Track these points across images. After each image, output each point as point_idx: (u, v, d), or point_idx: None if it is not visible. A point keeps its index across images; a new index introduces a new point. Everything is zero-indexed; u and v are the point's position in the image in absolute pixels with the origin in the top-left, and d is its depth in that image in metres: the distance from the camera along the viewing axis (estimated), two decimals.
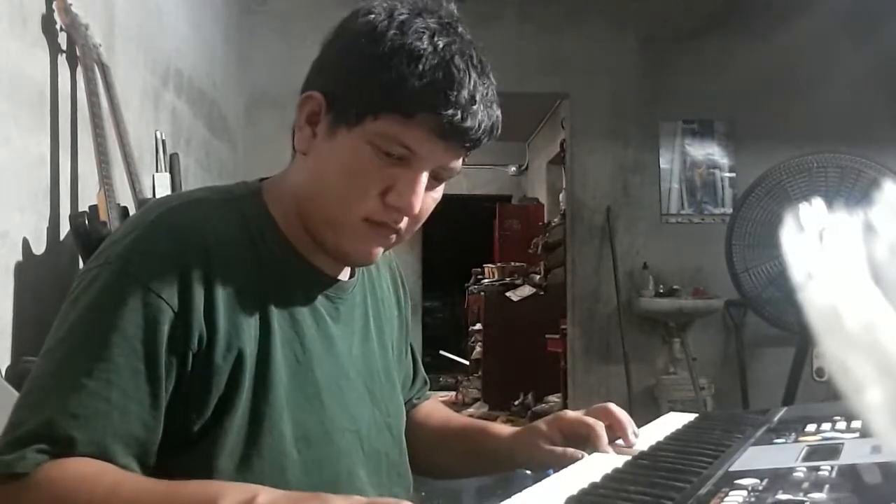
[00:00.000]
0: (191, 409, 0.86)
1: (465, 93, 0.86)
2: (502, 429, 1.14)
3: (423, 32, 0.86)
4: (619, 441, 1.02)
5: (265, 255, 0.93)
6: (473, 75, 0.87)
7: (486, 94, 0.89)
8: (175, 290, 0.85)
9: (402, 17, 0.87)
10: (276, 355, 0.91)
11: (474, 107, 0.86)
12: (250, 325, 0.89)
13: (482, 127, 0.88)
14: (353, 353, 1.01)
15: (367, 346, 1.04)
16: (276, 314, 0.92)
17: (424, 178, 0.90)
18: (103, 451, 0.80)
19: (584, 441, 1.01)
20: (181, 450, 0.86)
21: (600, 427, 1.01)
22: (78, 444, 0.79)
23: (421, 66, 0.85)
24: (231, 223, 0.92)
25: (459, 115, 0.85)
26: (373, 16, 0.89)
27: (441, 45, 0.86)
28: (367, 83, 0.86)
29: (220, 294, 0.87)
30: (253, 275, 0.91)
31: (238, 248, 0.91)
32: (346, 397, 0.98)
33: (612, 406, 1.05)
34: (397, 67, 0.85)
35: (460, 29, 0.90)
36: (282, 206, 0.96)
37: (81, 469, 0.78)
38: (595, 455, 0.97)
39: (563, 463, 0.93)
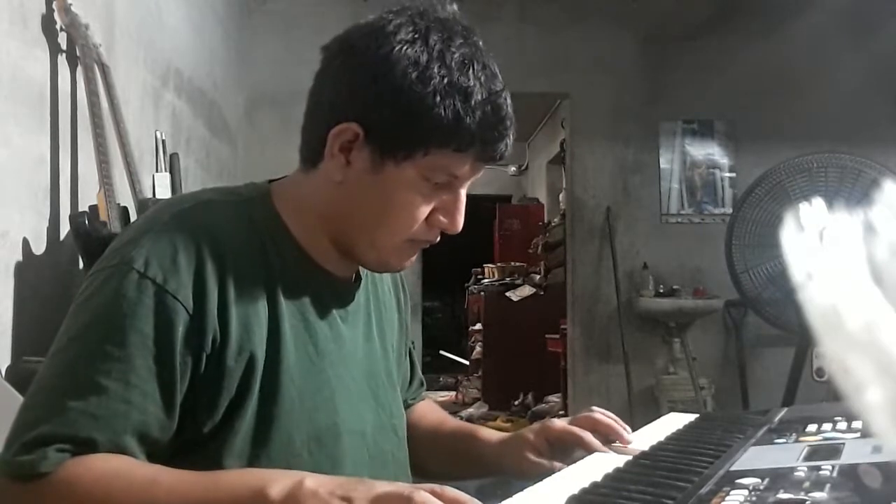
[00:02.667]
0: (201, 411, 0.86)
1: (507, 121, 0.91)
2: (491, 434, 1.14)
3: (466, 65, 0.89)
4: (617, 443, 1.02)
5: (275, 258, 0.93)
6: (509, 100, 0.91)
7: (512, 110, 0.92)
8: (190, 292, 0.85)
9: (437, 46, 0.88)
10: (288, 357, 0.91)
11: (512, 130, 0.92)
12: (261, 328, 0.90)
13: (511, 142, 0.93)
14: (360, 354, 1.02)
15: (370, 348, 1.05)
16: (286, 316, 0.92)
17: (464, 195, 0.95)
18: (122, 450, 0.81)
19: (571, 450, 1.03)
20: (190, 450, 0.86)
21: (587, 435, 1.03)
22: (98, 445, 0.79)
23: (472, 102, 0.88)
24: (241, 226, 0.92)
25: (504, 144, 0.92)
26: (407, 46, 0.88)
27: (483, 78, 0.89)
28: (421, 122, 0.88)
29: (233, 296, 0.88)
30: (263, 277, 0.92)
31: (249, 251, 0.91)
32: (354, 398, 0.99)
33: (596, 412, 1.06)
34: (452, 107, 0.87)
35: (480, 42, 0.92)
36: (295, 213, 0.96)
37: (111, 463, 0.79)
38: (596, 454, 0.97)
39: (546, 476, 0.93)
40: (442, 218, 0.94)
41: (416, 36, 0.89)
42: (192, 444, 0.86)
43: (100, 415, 0.80)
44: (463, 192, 0.95)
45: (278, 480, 0.74)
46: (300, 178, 0.98)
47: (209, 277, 0.86)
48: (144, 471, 0.80)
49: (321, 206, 0.95)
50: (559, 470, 0.95)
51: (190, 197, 0.96)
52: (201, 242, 0.88)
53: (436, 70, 0.87)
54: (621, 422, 1.05)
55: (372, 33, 0.90)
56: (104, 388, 0.80)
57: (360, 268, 1.04)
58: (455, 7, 0.94)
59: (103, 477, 0.77)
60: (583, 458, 0.98)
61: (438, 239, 0.97)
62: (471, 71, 0.88)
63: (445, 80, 0.87)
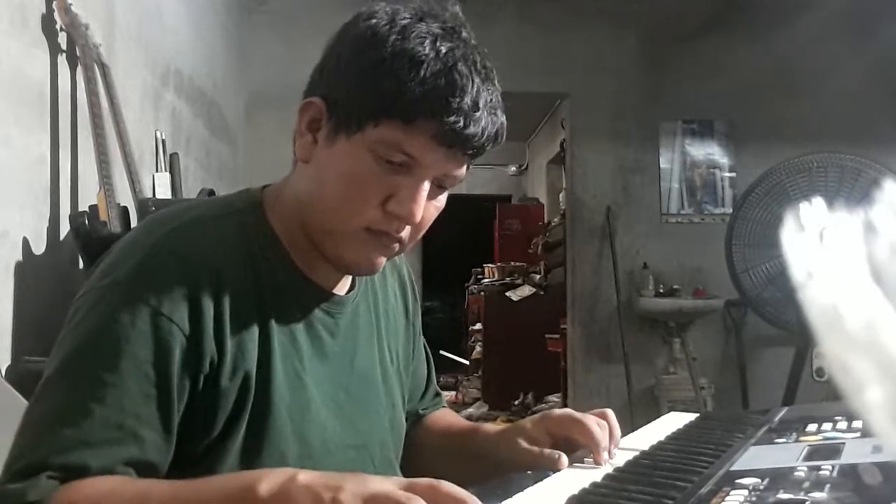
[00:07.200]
0: (197, 430, 0.85)
1: (467, 99, 0.83)
2: (492, 428, 1.11)
3: (426, 37, 0.84)
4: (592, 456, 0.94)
5: (265, 273, 0.91)
6: (477, 81, 0.85)
7: (490, 100, 0.86)
8: (185, 314, 0.83)
9: (404, 22, 0.86)
10: (277, 374, 0.90)
11: (477, 113, 0.84)
12: (253, 346, 0.89)
13: (485, 134, 0.86)
14: (356, 367, 1.00)
15: (376, 357, 1.03)
16: (275, 332, 0.91)
17: (426, 185, 0.87)
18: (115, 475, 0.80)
19: (571, 443, 0.96)
20: (182, 467, 0.85)
21: (591, 420, 0.95)
22: (91, 471, 0.78)
23: (422, 72, 0.82)
24: (232, 242, 0.90)
25: (462, 122, 0.83)
26: (374, 20, 0.87)
27: (443, 51, 0.84)
28: (368, 89, 0.85)
29: (227, 316, 0.86)
30: (254, 294, 0.90)
31: (241, 268, 0.89)
32: (349, 413, 0.97)
33: (610, 413, 1.00)
34: (398, 73, 0.83)
35: (464, 34, 0.88)
36: (282, 217, 0.94)
37: (103, 485, 0.77)
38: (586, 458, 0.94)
39: (540, 465, 0.91)
40: (398, 203, 0.86)
41: (387, 14, 0.87)
42: (185, 462, 0.85)
43: (92, 441, 0.78)
44: (425, 182, 0.87)
45: (268, 478, 0.73)
46: (289, 176, 0.97)
47: (203, 298, 0.85)
48: (136, 486, 0.79)
49: (297, 198, 0.93)
50: (556, 459, 0.91)
51: (181, 212, 0.93)
52: (193, 264, 0.86)
53: (392, 40, 0.84)
54: (616, 437, 0.98)
55: (353, 19, 0.90)
56: (97, 414, 0.79)
57: (359, 277, 1.01)
58: (457, 9, 0.91)
59: (93, 497, 0.76)
60: (584, 456, 0.94)
61: (402, 234, 0.90)
62: (428, 43, 0.84)
63: (398, 48, 0.84)
